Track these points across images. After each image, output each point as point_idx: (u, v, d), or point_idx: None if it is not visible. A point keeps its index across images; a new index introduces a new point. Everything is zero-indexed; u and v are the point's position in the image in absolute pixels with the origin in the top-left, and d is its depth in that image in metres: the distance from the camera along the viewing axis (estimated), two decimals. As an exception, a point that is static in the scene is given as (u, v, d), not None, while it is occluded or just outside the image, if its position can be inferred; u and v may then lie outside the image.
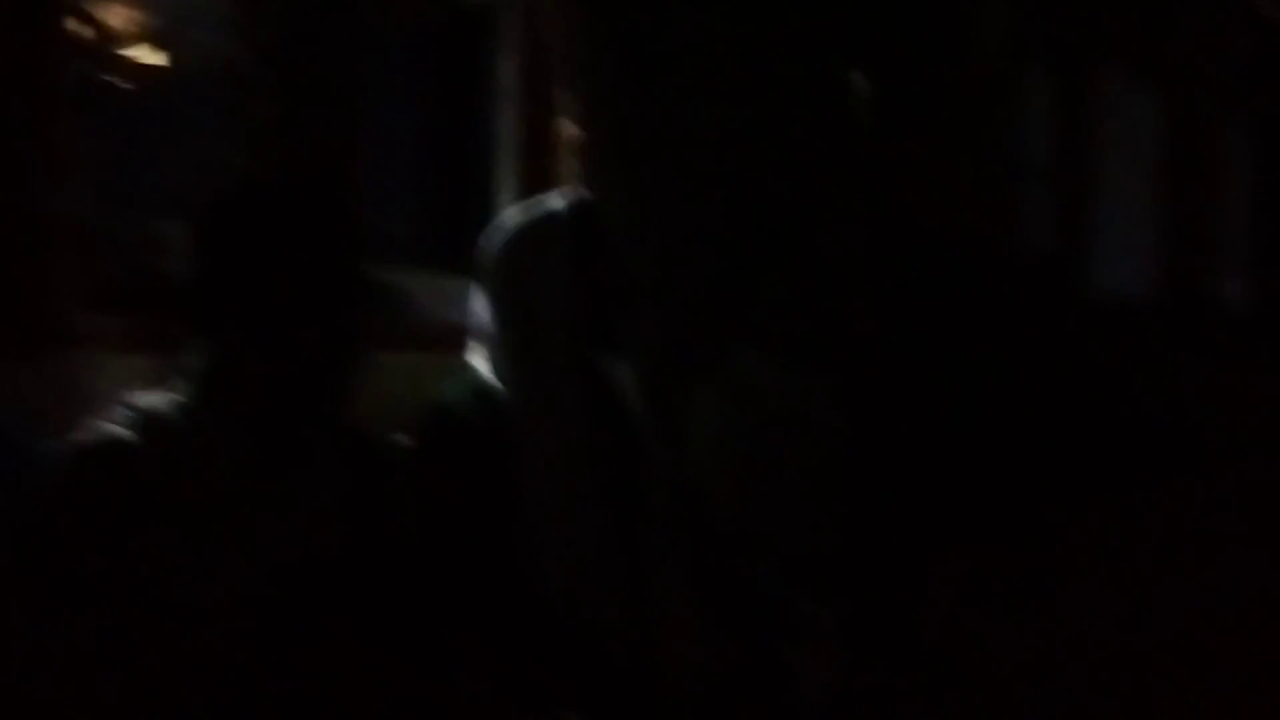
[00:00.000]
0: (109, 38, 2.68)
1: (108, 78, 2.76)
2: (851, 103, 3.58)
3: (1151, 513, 3.12)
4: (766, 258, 3.02)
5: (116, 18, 2.78)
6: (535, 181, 3.14)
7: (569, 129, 2.95)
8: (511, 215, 2.53)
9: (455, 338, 2.54)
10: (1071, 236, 4.14)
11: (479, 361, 2.46)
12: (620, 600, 2.35)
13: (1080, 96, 4.19)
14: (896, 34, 3.62)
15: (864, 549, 2.80)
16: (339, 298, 2.03)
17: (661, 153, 3.11)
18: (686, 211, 3.19)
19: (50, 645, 1.83)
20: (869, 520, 2.85)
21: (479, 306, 2.48)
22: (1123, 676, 2.88)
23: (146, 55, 2.90)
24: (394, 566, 2.16)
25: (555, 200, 2.50)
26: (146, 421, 1.97)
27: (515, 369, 2.38)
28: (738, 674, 2.46)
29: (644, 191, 3.02)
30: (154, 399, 2.01)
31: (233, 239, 1.99)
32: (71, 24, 2.57)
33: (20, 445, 2.10)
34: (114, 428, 1.95)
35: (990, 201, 3.74)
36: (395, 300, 3.15)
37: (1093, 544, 2.98)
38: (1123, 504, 3.15)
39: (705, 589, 2.45)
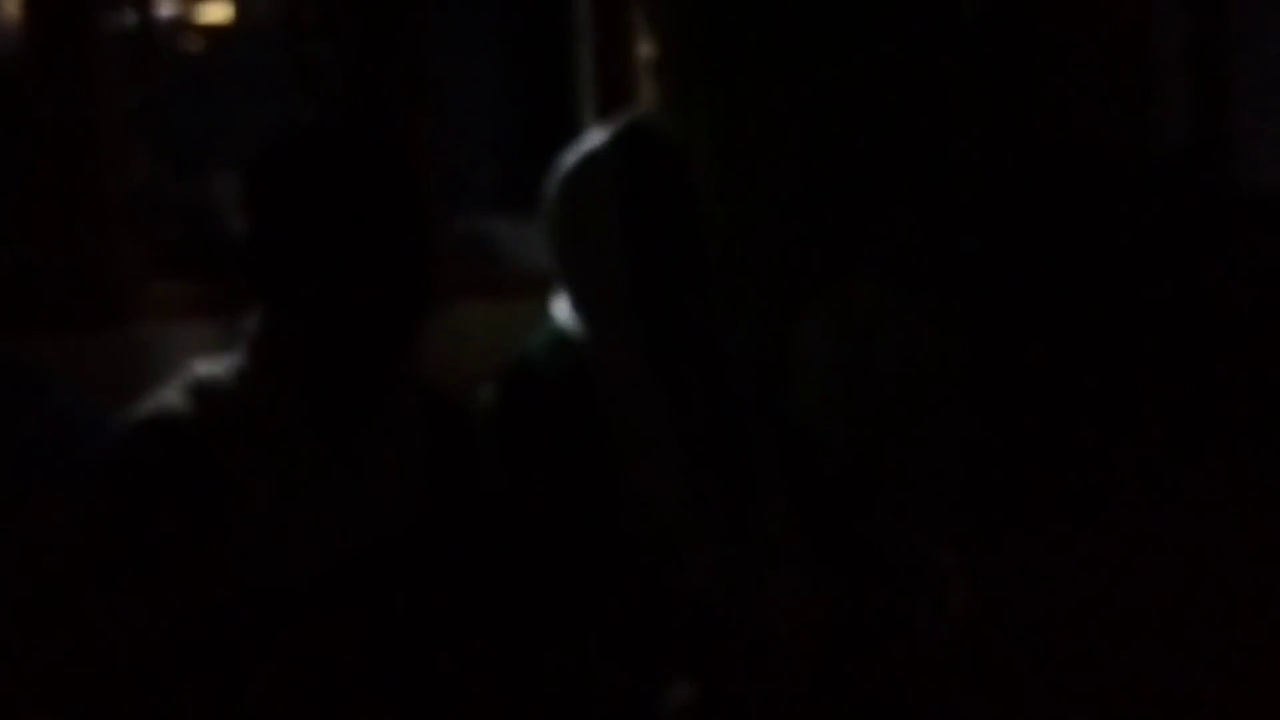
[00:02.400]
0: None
1: (165, 35, 2.70)
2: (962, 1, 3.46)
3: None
4: (876, 180, 2.92)
5: None
6: (616, 110, 3.01)
7: (648, 53, 2.86)
8: (569, 153, 2.39)
9: (543, 284, 2.46)
10: (1214, 133, 3.94)
11: (560, 309, 2.37)
12: (724, 553, 2.27)
13: None
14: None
15: (984, 482, 2.71)
16: (404, 250, 1.90)
17: (753, 68, 3.01)
18: (788, 133, 3.10)
19: (113, 619, 1.78)
20: (988, 451, 2.76)
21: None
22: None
23: (206, 10, 2.84)
24: (479, 532, 2.07)
25: (597, 135, 2.36)
26: (207, 392, 1.90)
27: (583, 317, 2.30)
28: (851, 624, 2.37)
29: (736, 113, 2.93)
30: (216, 366, 1.95)
31: (284, 191, 1.89)
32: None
33: (82, 418, 2.07)
34: (173, 401, 1.89)
35: (1120, 101, 3.57)
36: (476, 248, 3.07)
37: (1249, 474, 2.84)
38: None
39: (815, 535, 2.36)
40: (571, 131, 3.11)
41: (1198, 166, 3.74)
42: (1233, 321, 3.06)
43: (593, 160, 2.29)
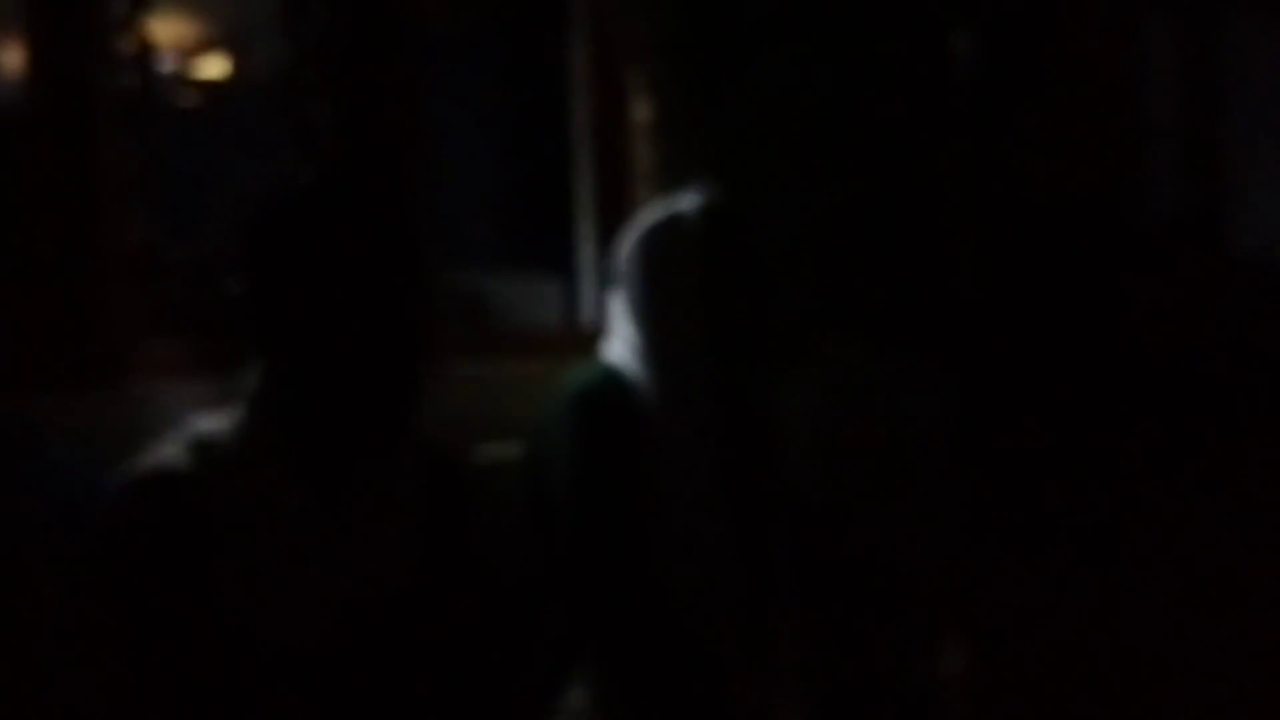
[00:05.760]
0: (164, 52, 2.62)
1: (164, 93, 2.71)
2: (953, 64, 3.49)
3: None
4: (864, 241, 2.95)
5: (172, 30, 2.74)
6: (612, 174, 3.07)
7: (644, 115, 2.89)
8: (645, 215, 2.52)
9: (539, 341, 2.48)
10: (1204, 197, 3.97)
11: (617, 353, 2.41)
12: (738, 611, 2.33)
13: (1208, 42, 4.00)
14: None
15: (970, 540, 2.72)
16: (402, 310, 1.90)
17: (749, 132, 3.04)
18: (777, 196, 3.13)
19: (106, 680, 1.77)
20: (973, 509, 2.76)
21: (617, 305, 2.48)
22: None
23: (204, 67, 2.85)
24: (477, 591, 2.06)
25: (684, 200, 2.50)
26: (204, 449, 1.89)
27: (654, 371, 2.39)
28: (851, 677, 2.38)
29: (726, 177, 2.95)
30: (212, 425, 1.94)
31: (280, 250, 1.88)
32: (124, 39, 2.51)
33: (78, 475, 2.07)
34: (170, 457, 1.88)
35: (1111, 164, 3.60)
36: (472, 307, 3.08)
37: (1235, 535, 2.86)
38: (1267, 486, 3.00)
39: (816, 595, 2.38)
40: (566, 191, 3.15)
41: (1187, 228, 3.77)
42: (1223, 382, 3.09)
43: (678, 222, 2.43)
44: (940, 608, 2.58)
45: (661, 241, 2.44)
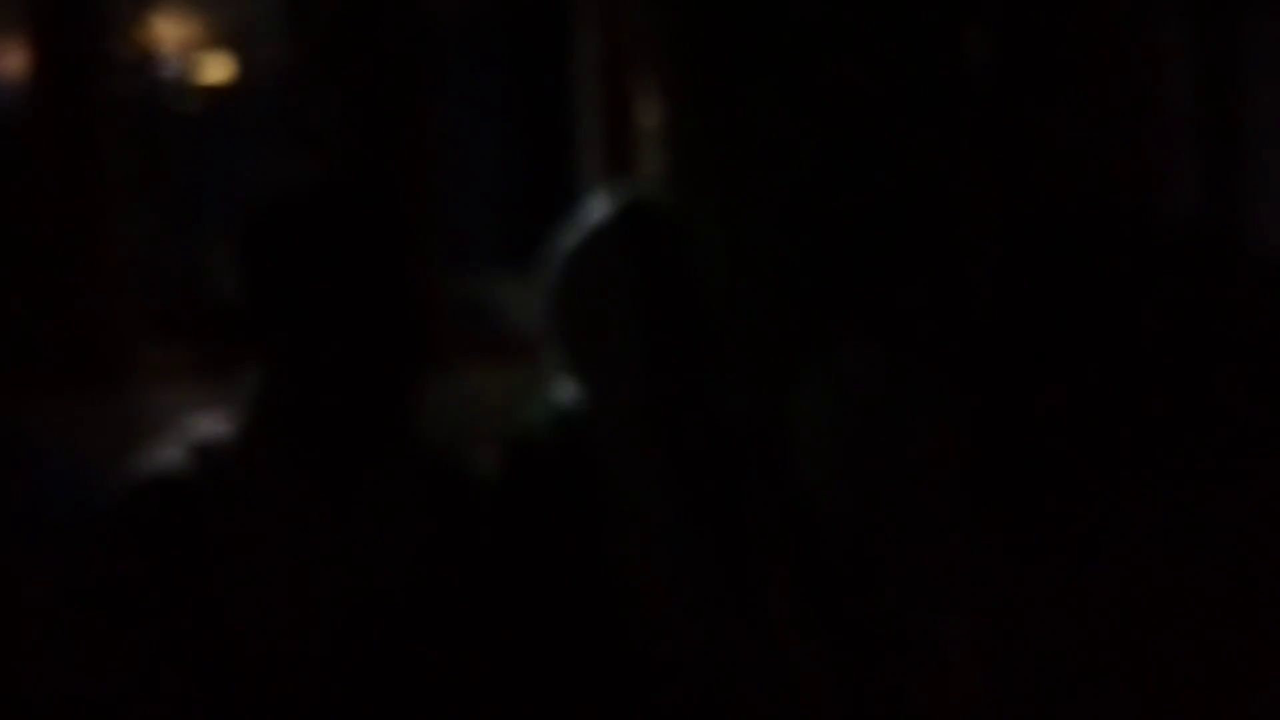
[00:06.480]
0: (165, 53, 2.63)
1: (165, 95, 2.71)
2: (968, 64, 3.47)
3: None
4: (875, 247, 2.93)
5: (172, 27, 2.74)
6: (619, 177, 3.05)
7: (651, 116, 2.87)
8: (568, 229, 2.41)
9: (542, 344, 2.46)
10: (1225, 198, 3.95)
11: (558, 384, 2.35)
12: (726, 631, 2.24)
13: (1229, 41, 3.98)
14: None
15: (989, 552, 2.69)
16: (401, 313, 1.90)
17: (756, 138, 3.02)
18: (788, 201, 3.11)
19: (104, 689, 1.78)
20: (991, 521, 2.74)
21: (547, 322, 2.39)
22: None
23: (206, 69, 2.86)
24: (479, 599, 2.04)
25: (597, 209, 2.34)
26: (203, 455, 1.89)
27: (589, 394, 2.28)
28: (854, 703, 2.35)
29: (738, 181, 2.94)
30: (211, 430, 1.93)
31: (273, 251, 1.89)
32: (123, 40, 2.51)
33: (75, 480, 2.08)
34: (169, 463, 1.88)
35: (1131, 165, 3.58)
36: (474, 310, 3.07)
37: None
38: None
39: (817, 611, 2.34)
40: (573, 194, 3.13)
41: (1207, 228, 3.75)
42: (1245, 383, 3.07)
43: (598, 238, 2.28)
44: (949, 615, 2.56)
45: (580, 268, 2.28)
